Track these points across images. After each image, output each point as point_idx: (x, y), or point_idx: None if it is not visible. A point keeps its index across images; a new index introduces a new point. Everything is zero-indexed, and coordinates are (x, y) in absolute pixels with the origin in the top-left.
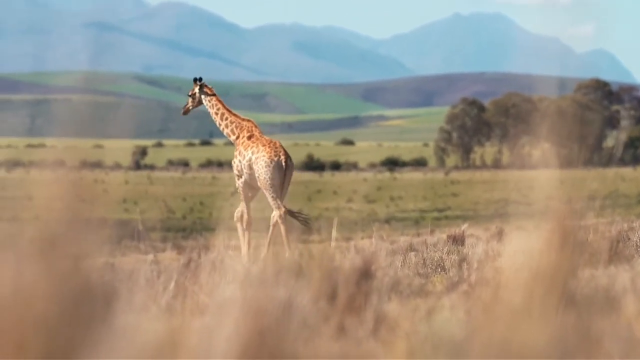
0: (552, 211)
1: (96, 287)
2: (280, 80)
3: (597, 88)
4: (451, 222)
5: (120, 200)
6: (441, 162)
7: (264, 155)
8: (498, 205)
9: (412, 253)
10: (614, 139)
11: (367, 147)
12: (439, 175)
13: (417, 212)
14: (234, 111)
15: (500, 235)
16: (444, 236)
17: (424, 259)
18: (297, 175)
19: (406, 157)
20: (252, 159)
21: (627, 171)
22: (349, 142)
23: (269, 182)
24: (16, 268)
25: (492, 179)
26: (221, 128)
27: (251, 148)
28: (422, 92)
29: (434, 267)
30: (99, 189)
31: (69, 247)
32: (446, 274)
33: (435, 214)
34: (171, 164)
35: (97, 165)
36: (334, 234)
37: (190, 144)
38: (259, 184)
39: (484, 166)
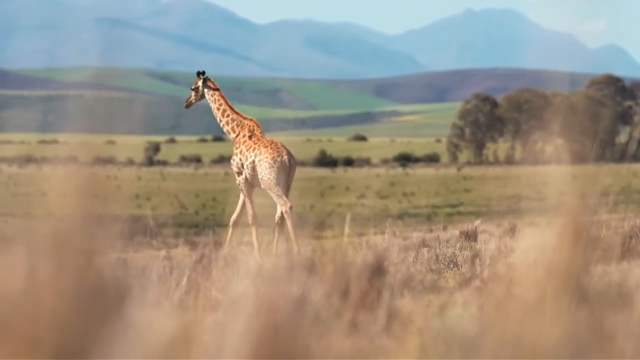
0: (565, 207)
1: (109, 283)
2: (293, 76)
3: (610, 84)
4: (464, 218)
5: (132, 197)
6: (454, 158)
7: (267, 157)
8: (511, 201)
9: (425, 249)
10: (627, 135)
11: (379, 143)
12: (452, 171)
13: (429, 208)
14: (236, 109)
15: (513, 231)
16: (457, 232)
17: (436, 255)
18: (310, 171)
19: (419, 152)
20: (255, 161)
21: None
22: (361, 138)
23: (273, 182)
24: (29, 264)
25: (504, 175)
26: (221, 124)
27: (253, 150)
28: (435, 87)
29: (446, 263)
30: (111, 185)
31: (82, 243)
32: (459, 270)
33: (448, 210)
34: (184, 159)
35: (110, 161)
36: (347, 229)
37: (203, 140)
38: (262, 185)
39: (496, 162)
